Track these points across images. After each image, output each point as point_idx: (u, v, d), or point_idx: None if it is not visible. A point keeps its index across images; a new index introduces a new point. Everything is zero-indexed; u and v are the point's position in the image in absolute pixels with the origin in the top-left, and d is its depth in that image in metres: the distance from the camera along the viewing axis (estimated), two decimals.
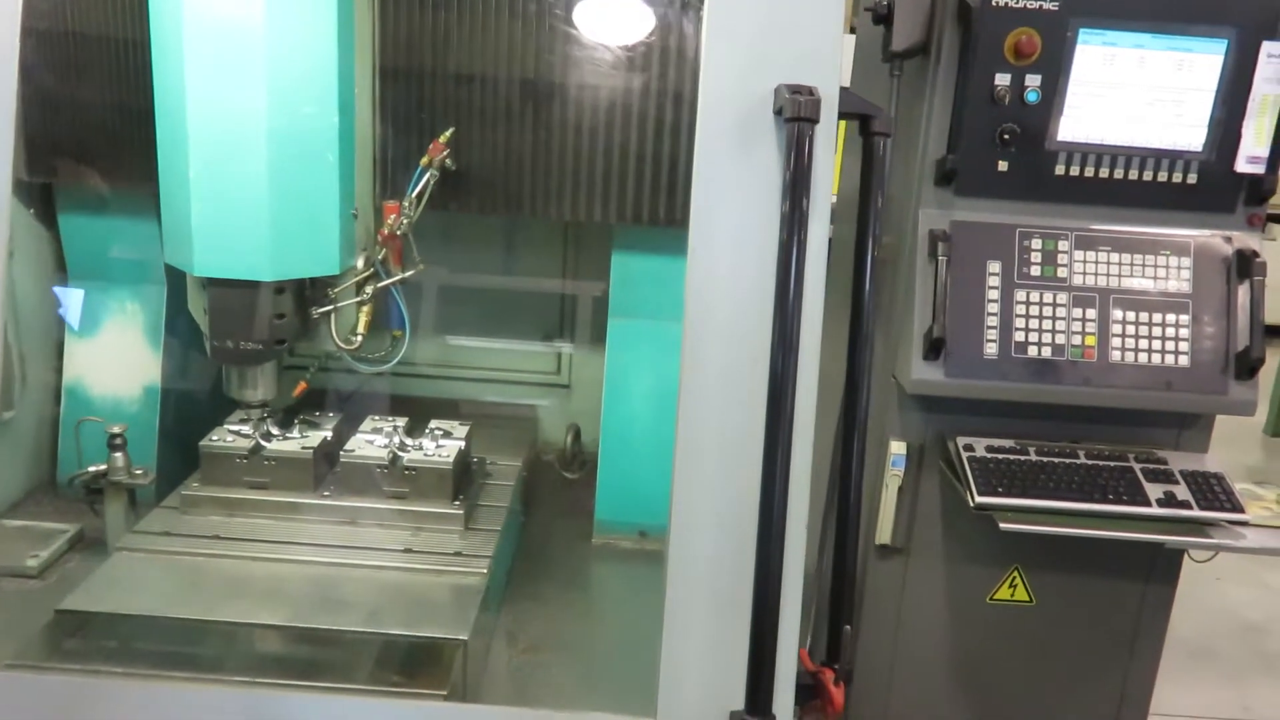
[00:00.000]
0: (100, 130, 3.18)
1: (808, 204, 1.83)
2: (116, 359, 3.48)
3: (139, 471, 3.03)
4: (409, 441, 3.02)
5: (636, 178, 3.16)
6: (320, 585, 2.67)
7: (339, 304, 2.81)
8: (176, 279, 2.63)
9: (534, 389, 4.17)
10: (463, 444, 3.09)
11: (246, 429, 3.06)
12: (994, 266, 2.85)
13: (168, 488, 3.45)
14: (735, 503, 2.09)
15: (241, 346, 2.66)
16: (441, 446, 3.03)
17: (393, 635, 2.48)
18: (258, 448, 2.96)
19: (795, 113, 1.82)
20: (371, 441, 3.03)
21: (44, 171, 3.25)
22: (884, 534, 3.08)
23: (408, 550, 2.83)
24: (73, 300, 3.49)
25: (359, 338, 2.87)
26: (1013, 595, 3.10)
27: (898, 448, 3.02)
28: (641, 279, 3.43)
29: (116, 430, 2.99)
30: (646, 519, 3.47)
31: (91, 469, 3.00)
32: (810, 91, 1.84)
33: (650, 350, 3.48)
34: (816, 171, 1.83)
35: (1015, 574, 3.07)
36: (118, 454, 3.00)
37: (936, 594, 3.14)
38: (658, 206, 3.18)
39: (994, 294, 2.84)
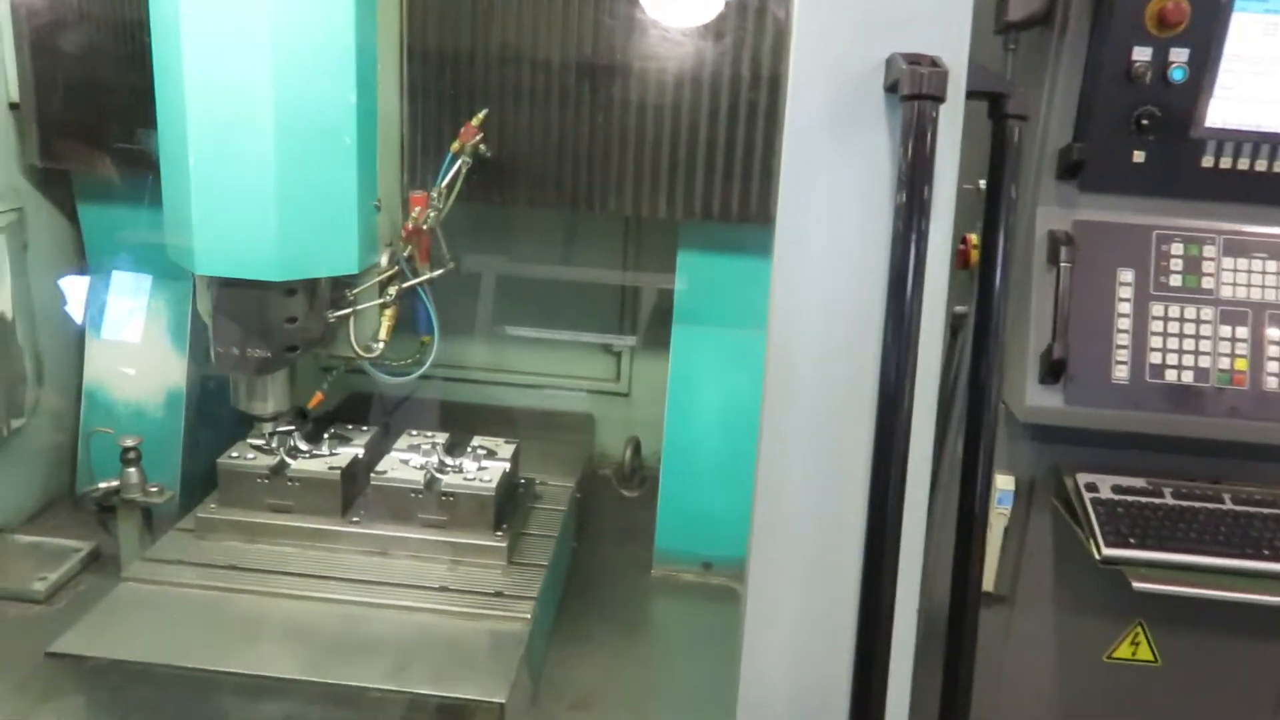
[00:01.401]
0: (120, 113, 2.90)
1: (929, 197, 1.44)
2: (139, 361, 3.22)
3: (154, 489, 2.75)
4: (448, 461, 2.70)
5: (707, 167, 2.79)
6: (345, 627, 2.36)
7: (359, 306, 2.48)
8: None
9: (590, 397, 3.83)
10: (507, 465, 2.75)
11: (272, 444, 2.76)
12: (1126, 275, 2.44)
13: (194, 502, 3.19)
14: (830, 545, 1.74)
15: (248, 354, 2.35)
16: (484, 469, 2.70)
17: (420, 695, 2.15)
18: (281, 466, 2.66)
19: (916, 88, 1.44)
20: (406, 461, 2.71)
21: (60, 157, 2.98)
22: (986, 580, 2.68)
23: (443, 588, 2.50)
24: (93, 296, 3.23)
25: (381, 344, 2.54)
26: (1134, 654, 2.68)
27: (1004, 482, 2.63)
28: (711, 281, 3.06)
29: (130, 443, 2.72)
30: (712, 549, 3.12)
31: (103, 485, 2.74)
32: (933, 62, 1.46)
33: (720, 360, 3.11)
34: (940, 160, 1.45)
35: (1138, 630, 2.66)
36: (131, 469, 2.73)
37: (1045, 649, 2.73)
38: (730, 200, 2.80)
39: (1125, 307, 2.42)
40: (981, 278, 1.71)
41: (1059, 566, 2.67)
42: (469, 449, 2.79)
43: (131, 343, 3.21)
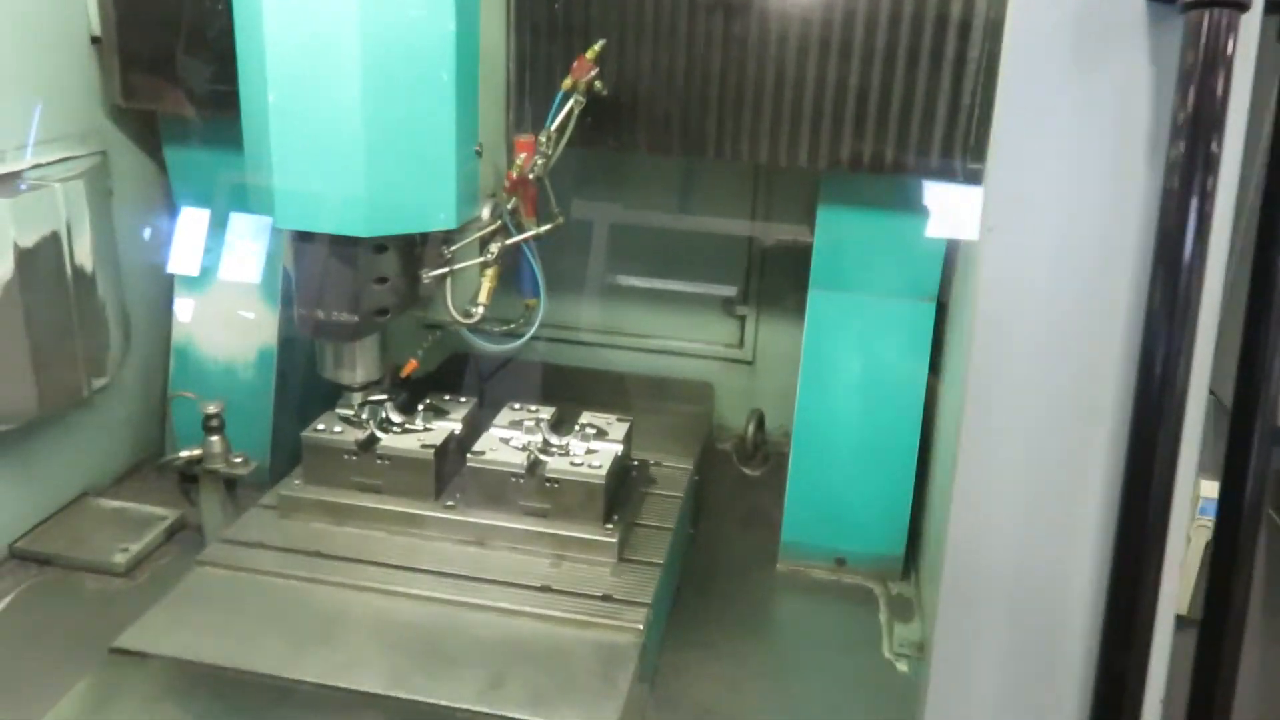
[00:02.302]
0: (208, 47, 2.64)
1: (1219, 143, 1.04)
2: (229, 317, 3.00)
3: (238, 459, 2.53)
4: (553, 441, 2.39)
5: (857, 111, 2.38)
6: (435, 630, 2.09)
7: (457, 266, 2.17)
8: None
9: (710, 363, 3.48)
10: (619, 448, 2.44)
11: (361, 415, 2.51)
12: None
13: (286, 469, 2.98)
14: (1047, 598, 1.37)
15: (333, 317, 2.07)
16: (593, 452, 2.39)
17: None
18: (370, 441, 2.39)
19: None
20: (507, 440, 2.42)
21: (145, 96, 2.75)
22: (1181, 601, 2.25)
23: (545, 588, 2.21)
24: (181, 247, 3.02)
25: (480, 309, 2.23)
26: None
27: (1209, 489, 2.18)
28: (855, 241, 2.67)
29: (212, 410, 2.50)
30: (847, 543, 2.77)
31: (185, 453, 2.53)
32: None
33: (862, 331, 2.74)
34: (1235, 90, 1.04)
35: None
36: (214, 438, 2.51)
37: (1251, 684, 2.30)
38: (883, 148, 2.40)
39: None
40: (1260, 238, 1.28)
41: (1272, 589, 2.23)
42: (576, 427, 2.48)
43: (222, 297, 3.00)
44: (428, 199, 2.00)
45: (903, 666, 2.43)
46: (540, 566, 2.29)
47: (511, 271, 2.30)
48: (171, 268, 3.02)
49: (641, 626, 2.12)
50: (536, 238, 2.23)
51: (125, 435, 3.05)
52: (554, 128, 2.14)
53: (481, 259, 2.18)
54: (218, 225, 2.97)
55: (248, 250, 2.97)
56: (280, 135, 1.87)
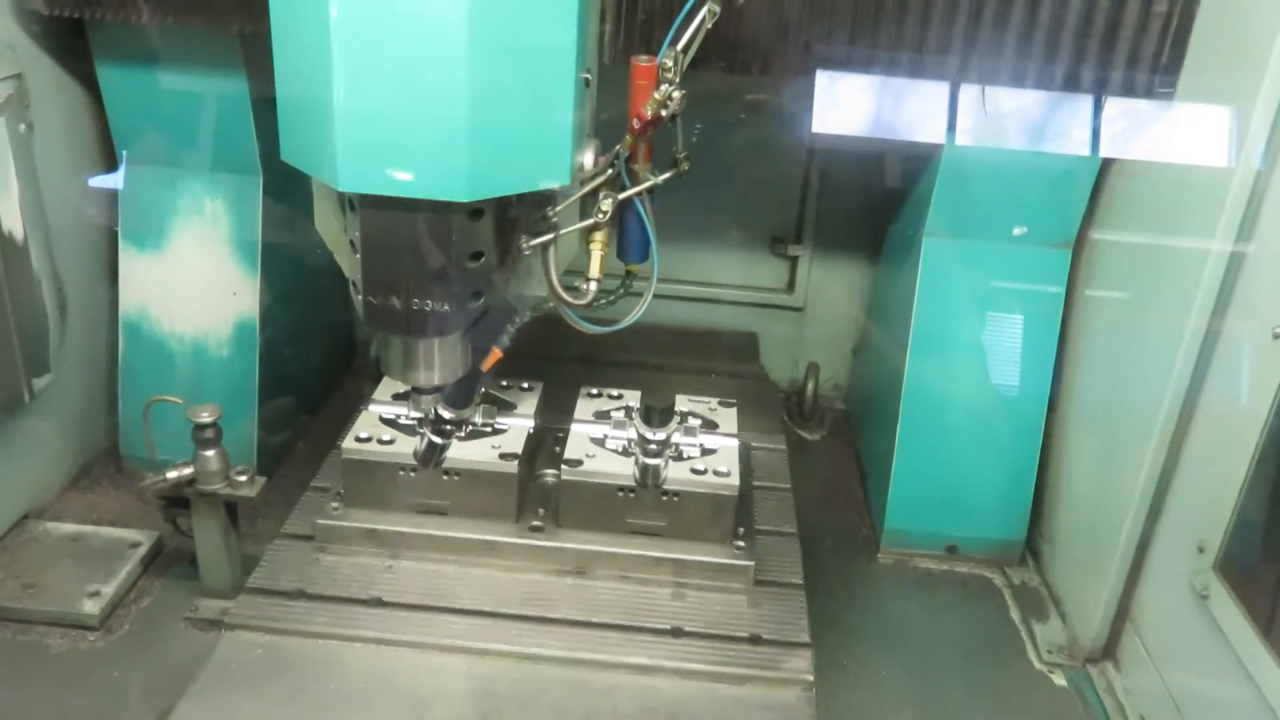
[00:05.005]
0: None
1: None
2: (194, 282, 2.39)
3: (241, 475, 1.97)
4: (650, 437, 1.92)
5: (998, 18, 1.93)
6: (557, 703, 1.64)
7: (562, 231, 1.65)
8: (280, 165, 1.49)
9: (749, 310, 3.03)
10: (736, 443, 1.99)
11: (403, 412, 1.98)
12: None
13: (269, 461, 2.44)
14: None
15: (415, 306, 1.53)
16: (711, 452, 1.94)
17: None
18: (432, 451, 1.88)
19: None
20: (601, 440, 1.95)
21: (70, 1, 2.06)
22: None
23: (677, 630, 1.77)
24: (127, 197, 2.36)
25: (594, 284, 1.72)
26: None
27: None
28: (983, 178, 2.23)
29: (206, 419, 1.92)
30: (959, 528, 2.42)
31: (170, 473, 1.95)
32: None
33: (983, 284, 2.33)
34: None
35: None
36: (209, 452, 1.94)
37: None
38: (1027, 59, 1.95)
39: None
40: None
41: None
42: (676, 418, 2.00)
43: (183, 258, 2.37)
44: (541, 146, 1.46)
45: (1060, 679, 2.10)
46: (660, 599, 1.85)
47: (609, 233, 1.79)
48: (110, 225, 2.37)
49: (810, 677, 1.71)
50: (651, 190, 1.72)
51: (69, 438, 2.43)
52: (680, 47, 1.62)
53: (592, 220, 1.66)
54: (171, 167, 2.33)
55: (213, 202, 2.35)
56: (346, 64, 1.29)
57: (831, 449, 2.91)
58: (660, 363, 2.74)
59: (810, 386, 2.91)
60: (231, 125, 2.26)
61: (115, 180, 2.34)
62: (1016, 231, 2.27)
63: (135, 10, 2.04)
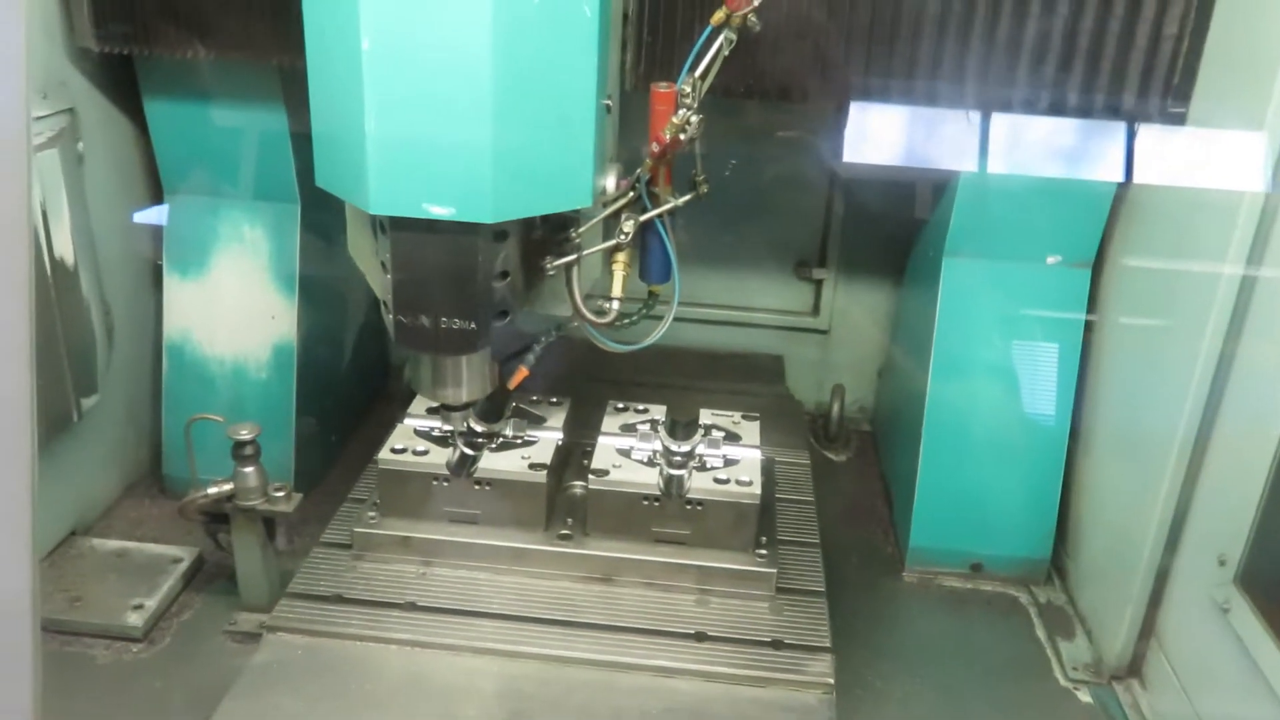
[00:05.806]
0: None
1: None
2: (234, 306, 2.48)
3: (279, 491, 2.05)
4: (674, 449, 1.97)
5: (1010, 43, 1.98)
6: (585, 703, 1.69)
7: (585, 252, 1.71)
8: (316, 194, 1.57)
9: (776, 333, 3.08)
10: (758, 454, 2.04)
11: (437, 424, 2.05)
12: None
13: (310, 484, 2.50)
14: None
15: (444, 325, 1.60)
16: (734, 462, 1.99)
17: None
18: (465, 463, 1.94)
19: None
20: (628, 452, 2.00)
21: (120, 38, 2.18)
22: None
23: (700, 635, 1.81)
24: (172, 225, 2.47)
25: (615, 305, 1.79)
26: None
27: None
28: (1002, 198, 2.27)
29: (245, 436, 2.00)
30: (984, 546, 2.44)
31: (211, 490, 2.03)
32: None
33: (1004, 303, 2.36)
34: None
35: None
36: (248, 468, 2.02)
37: None
38: (1067, 90, 2.01)
39: None
40: None
41: None
42: (700, 430, 2.06)
43: (224, 283, 2.47)
44: (563, 170, 1.53)
45: (1085, 696, 2.11)
46: (685, 606, 1.89)
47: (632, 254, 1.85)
48: (156, 253, 2.47)
49: (831, 680, 1.74)
50: (672, 211, 1.78)
51: (114, 457, 2.52)
52: (698, 74, 1.69)
53: (614, 242, 1.73)
54: (212, 196, 2.43)
55: (252, 230, 2.45)
56: (377, 94, 1.37)
57: (857, 470, 2.94)
58: (687, 384, 2.78)
59: (836, 408, 2.95)
60: (271, 156, 2.36)
61: (160, 215, 2.44)
62: (1050, 260, 2.32)
63: (181, 46, 2.16)
